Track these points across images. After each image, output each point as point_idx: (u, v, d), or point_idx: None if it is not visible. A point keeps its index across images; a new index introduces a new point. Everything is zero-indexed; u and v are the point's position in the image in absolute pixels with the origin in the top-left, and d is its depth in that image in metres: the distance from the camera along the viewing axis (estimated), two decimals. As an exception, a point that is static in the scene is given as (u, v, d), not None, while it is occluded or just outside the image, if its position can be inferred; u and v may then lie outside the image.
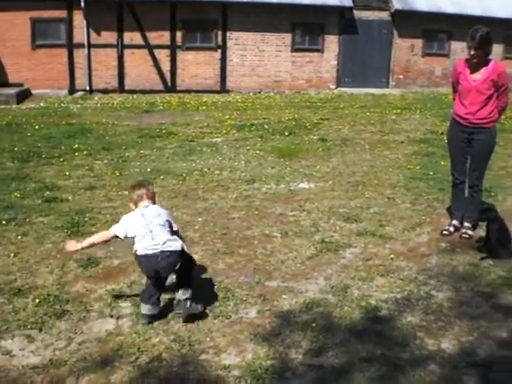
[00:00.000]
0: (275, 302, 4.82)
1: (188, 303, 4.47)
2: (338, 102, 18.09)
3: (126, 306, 4.73)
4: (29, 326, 4.43)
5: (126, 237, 4.60)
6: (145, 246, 4.46)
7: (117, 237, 4.64)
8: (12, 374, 3.85)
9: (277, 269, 5.45)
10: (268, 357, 4.03)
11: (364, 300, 4.85)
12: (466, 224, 6.46)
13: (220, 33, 20.53)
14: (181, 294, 4.50)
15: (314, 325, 4.44)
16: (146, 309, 4.50)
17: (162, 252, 4.42)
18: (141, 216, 4.60)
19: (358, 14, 21.63)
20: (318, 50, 21.70)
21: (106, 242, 4.89)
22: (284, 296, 4.92)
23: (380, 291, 5.04)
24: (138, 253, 4.49)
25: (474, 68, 6.06)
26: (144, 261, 4.49)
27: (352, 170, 9.29)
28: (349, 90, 21.23)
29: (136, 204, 4.73)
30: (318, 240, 6.15)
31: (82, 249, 4.71)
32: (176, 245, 4.50)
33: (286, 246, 6.01)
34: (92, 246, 4.75)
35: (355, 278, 5.27)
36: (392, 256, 5.79)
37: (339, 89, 21.81)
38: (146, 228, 4.50)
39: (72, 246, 4.71)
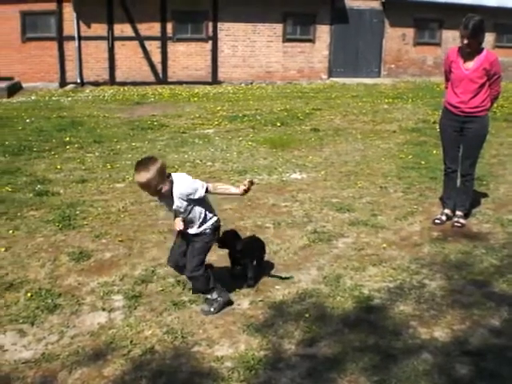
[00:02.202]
0: (268, 292, 4.81)
1: None
2: (329, 92, 18.07)
3: (118, 299, 4.71)
4: (21, 321, 4.40)
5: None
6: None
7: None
8: (4, 368, 3.83)
9: (269, 259, 5.43)
10: (261, 348, 4.02)
11: (357, 290, 4.84)
12: (458, 213, 6.46)
13: (211, 24, 20.46)
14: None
15: (306, 315, 4.43)
16: (227, 295, 4.60)
17: None
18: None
19: (349, 3, 21.60)
20: (309, 40, 21.67)
21: None
22: (277, 287, 4.91)
23: (372, 281, 5.04)
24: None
25: (467, 56, 6.04)
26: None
27: (344, 160, 9.28)
28: (341, 80, 21.23)
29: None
30: (311, 230, 6.15)
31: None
32: None
33: (279, 237, 6.00)
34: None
35: (348, 268, 5.26)
36: (384, 245, 5.79)
37: (331, 79, 21.81)
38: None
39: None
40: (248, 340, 4.12)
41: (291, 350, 4.02)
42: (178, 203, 4.28)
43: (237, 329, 4.27)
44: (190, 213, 4.35)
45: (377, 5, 22.00)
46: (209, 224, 4.44)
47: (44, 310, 4.54)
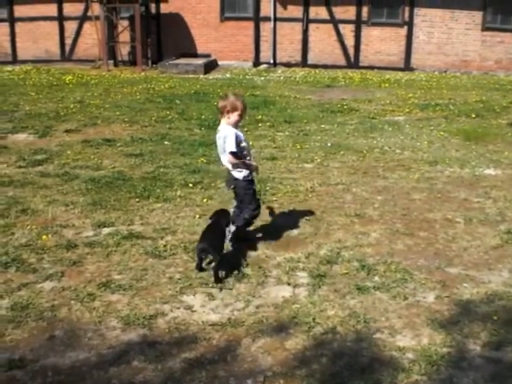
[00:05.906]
0: (455, 289, 4.66)
1: None
2: (530, 86, 16.94)
3: (302, 276, 4.82)
4: (210, 285, 4.67)
5: None
6: None
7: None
8: (192, 328, 4.09)
9: (458, 255, 5.27)
10: (444, 344, 3.92)
11: (552, 298, 4.55)
12: None
13: (407, 9, 19.92)
14: None
15: (495, 317, 4.24)
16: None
17: None
18: None
19: (559, -8, 19.99)
20: (510, 30, 20.38)
21: None
22: (465, 284, 4.74)
23: None
24: None
25: None
26: None
27: (544, 160, 8.69)
28: (543, 74, 19.80)
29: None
30: (504, 230, 5.84)
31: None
32: None
33: (469, 233, 5.78)
34: None
35: (543, 275, 4.95)
36: None
37: (532, 72, 20.40)
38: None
39: None
40: (431, 334, 4.04)
41: (476, 350, 3.88)
42: None
43: (420, 322, 4.19)
44: None
45: None
46: None
47: (233, 278, 4.77)
